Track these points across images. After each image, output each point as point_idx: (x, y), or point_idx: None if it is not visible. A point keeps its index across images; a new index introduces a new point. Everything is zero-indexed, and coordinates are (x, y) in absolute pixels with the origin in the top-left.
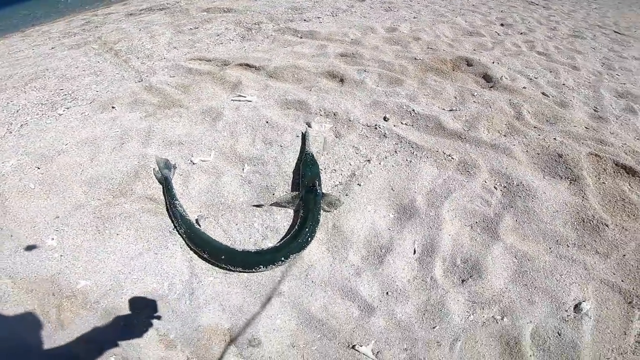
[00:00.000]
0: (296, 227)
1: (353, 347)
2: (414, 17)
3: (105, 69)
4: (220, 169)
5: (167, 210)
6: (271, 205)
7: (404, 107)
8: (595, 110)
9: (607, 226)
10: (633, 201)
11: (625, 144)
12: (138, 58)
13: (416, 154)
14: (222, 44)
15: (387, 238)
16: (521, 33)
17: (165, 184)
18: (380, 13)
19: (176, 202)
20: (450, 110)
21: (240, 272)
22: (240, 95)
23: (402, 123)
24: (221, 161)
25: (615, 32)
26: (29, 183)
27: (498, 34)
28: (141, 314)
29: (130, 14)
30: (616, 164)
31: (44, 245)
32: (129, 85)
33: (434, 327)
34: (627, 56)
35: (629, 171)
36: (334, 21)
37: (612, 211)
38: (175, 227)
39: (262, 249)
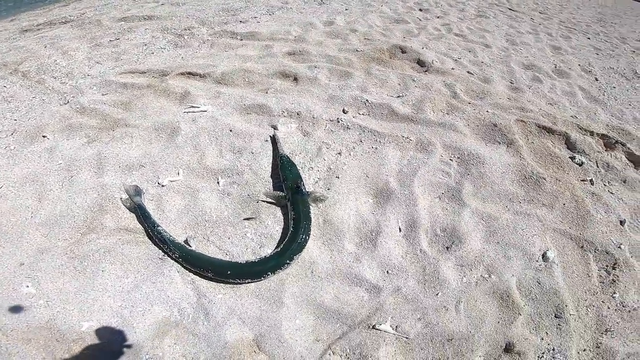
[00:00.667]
0: (292, 229)
1: (373, 327)
2: (346, 9)
3: (16, 94)
4: (194, 187)
5: (151, 237)
6: (260, 200)
7: (358, 98)
8: (511, 83)
9: (544, 179)
10: (557, 155)
11: (540, 109)
12: (55, 78)
13: (379, 141)
14: (152, 53)
15: (374, 222)
16: (438, 17)
17: (141, 211)
18: (315, 7)
19: (159, 227)
20: (398, 97)
21: (247, 283)
22: (192, 106)
23: (359, 114)
24: (192, 178)
25: (509, 9)
26: None
27: (420, 20)
28: (162, 343)
29: (26, 30)
30: (538, 126)
31: (20, 294)
32: (54, 109)
33: (437, 294)
34: (523, 31)
35: (549, 130)
36: (272, 20)
37: (544, 165)
38: (166, 253)
39: (266, 256)
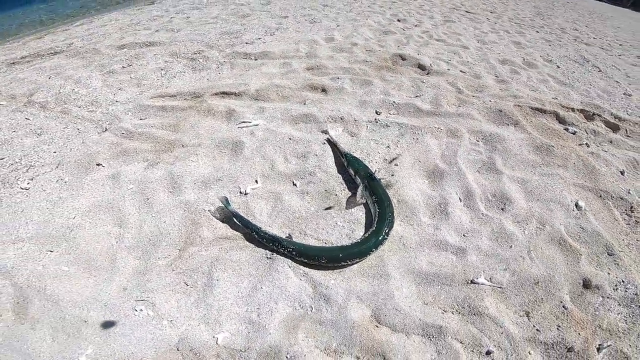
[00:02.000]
0: (378, 210)
1: (472, 282)
2: (337, 26)
3: (45, 126)
4: (275, 191)
5: (254, 240)
6: (350, 207)
7: (385, 101)
8: (496, 77)
9: (553, 147)
10: (554, 128)
11: (527, 95)
12: (80, 107)
13: (417, 133)
14: (174, 77)
15: (438, 197)
16: (416, 25)
17: (239, 218)
18: (309, 26)
19: (261, 228)
20: (417, 97)
21: (356, 262)
22: (243, 122)
23: (390, 113)
24: (270, 184)
25: (466, 12)
26: (59, 267)
27: (403, 30)
28: (297, 339)
29: (13, 63)
30: (531, 109)
31: (136, 319)
32: (95, 138)
33: (510, 247)
34: (486, 31)
35: (541, 111)
36: (276, 40)
37: (548, 137)
38: (276, 250)
39: (365, 236)
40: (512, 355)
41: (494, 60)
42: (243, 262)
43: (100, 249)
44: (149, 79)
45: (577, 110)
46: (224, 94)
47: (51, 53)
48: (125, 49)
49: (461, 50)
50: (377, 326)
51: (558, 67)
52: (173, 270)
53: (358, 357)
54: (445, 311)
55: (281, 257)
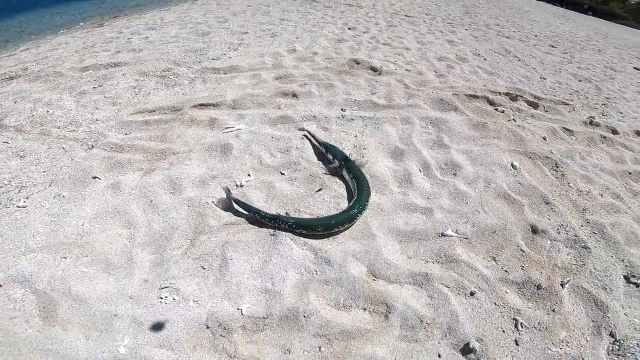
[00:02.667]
0: (356, 184)
1: (442, 234)
2: (297, 38)
3: (27, 148)
4: (266, 181)
5: (260, 219)
6: (326, 174)
7: (348, 99)
8: (436, 72)
9: (487, 124)
10: (486, 109)
11: (462, 85)
12: (59, 127)
13: (377, 123)
14: (149, 94)
15: (402, 170)
16: (364, 32)
17: (241, 203)
18: (270, 40)
19: (261, 210)
20: (373, 94)
21: (346, 228)
22: (227, 127)
23: (353, 109)
24: (261, 175)
25: (406, 16)
26: (78, 269)
27: (354, 37)
28: (309, 299)
29: None
30: (466, 95)
31: (162, 307)
32: (84, 154)
33: (466, 203)
34: (423, 32)
35: (474, 97)
36: (240, 55)
37: (482, 116)
38: (278, 226)
39: (350, 205)
40: (492, 294)
41: (433, 58)
42: (250, 242)
43: (115, 249)
44: (124, 97)
45: (503, 93)
46: (203, 105)
47: (6, 78)
48: (90, 71)
49: (404, 51)
50: (374, 279)
51: (485, 59)
52: (189, 257)
53: (365, 308)
54: (427, 261)
55: (282, 233)
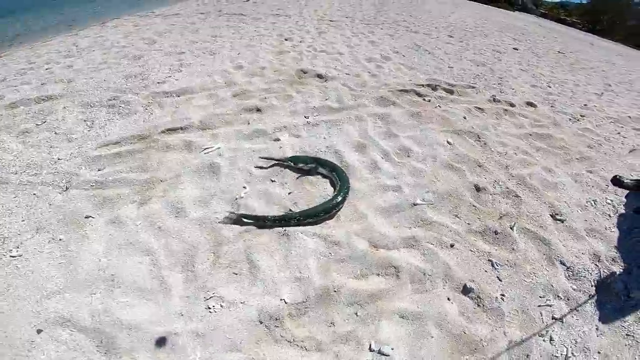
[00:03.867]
0: (337, 175)
1: (414, 204)
2: (238, 54)
3: None
4: (262, 189)
5: (272, 224)
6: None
7: (308, 107)
8: (369, 72)
9: (420, 112)
10: (416, 100)
11: (392, 81)
12: (17, 173)
13: (338, 124)
14: (105, 126)
15: (368, 159)
16: (300, 42)
17: (249, 216)
18: (211, 58)
19: (268, 215)
20: (326, 99)
21: (340, 209)
22: (206, 148)
23: (314, 116)
24: (255, 186)
25: (330, 21)
26: (116, 301)
27: (293, 47)
28: (333, 277)
29: None
30: (399, 91)
31: (215, 312)
32: (61, 198)
33: (423, 177)
34: (349, 36)
35: (405, 91)
36: (187, 75)
37: (415, 106)
38: (287, 224)
39: (337, 190)
40: (466, 244)
41: (363, 60)
42: (268, 243)
43: (144, 277)
44: (77, 132)
45: (425, 85)
46: (170, 130)
47: None
48: (20, 107)
49: (339, 56)
50: (377, 250)
51: (404, 56)
52: (219, 268)
53: (378, 274)
54: (410, 227)
55: (291, 229)
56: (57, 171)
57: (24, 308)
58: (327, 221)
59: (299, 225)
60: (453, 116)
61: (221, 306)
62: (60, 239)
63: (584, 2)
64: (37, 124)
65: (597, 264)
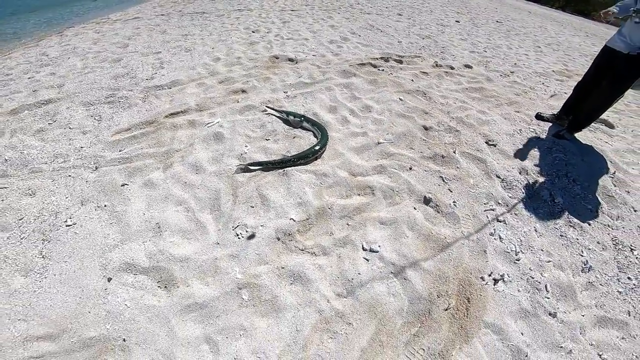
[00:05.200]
0: (317, 127)
1: (379, 143)
2: (212, 48)
3: (31, 186)
4: (260, 146)
5: (272, 166)
6: (297, 127)
7: (285, 85)
8: (332, 52)
9: (377, 80)
10: (373, 70)
11: (352, 57)
12: (47, 163)
13: (312, 94)
14: (112, 118)
15: (339, 117)
16: (268, 32)
17: (254, 163)
18: (188, 55)
19: (270, 160)
20: (300, 77)
21: (324, 150)
22: (208, 123)
23: (292, 91)
24: (255, 145)
25: (292, 11)
26: (166, 242)
27: (262, 38)
28: (326, 199)
29: None
30: (358, 64)
31: (243, 237)
32: (95, 175)
33: (382, 124)
34: (311, 22)
35: (362, 64)
36: (171, 71)
37: (373, 76)
38: (285, 165)
39: (321, 137)
40: (421, 166)
41: (326, 42)
42: (272, 181)
43: (182, 221)
44: (89, 125)
45: (379, 58)
46: (173, 114)
47: None
48: (24, 112)
49: (305, 41)
50: (354, 177)
51: (360, 36)
52: (239, 204)
53: (359, 194)
54: (377, 160)
55: (289, 169)
56: (84, 156)
57: (91, 264)
58: (315, 161)
59: (294, 165)
60: (403, 80)
61: (246, 231)
62: (105, 205)
63: None
64: (49, 123)
65: (526, 176)
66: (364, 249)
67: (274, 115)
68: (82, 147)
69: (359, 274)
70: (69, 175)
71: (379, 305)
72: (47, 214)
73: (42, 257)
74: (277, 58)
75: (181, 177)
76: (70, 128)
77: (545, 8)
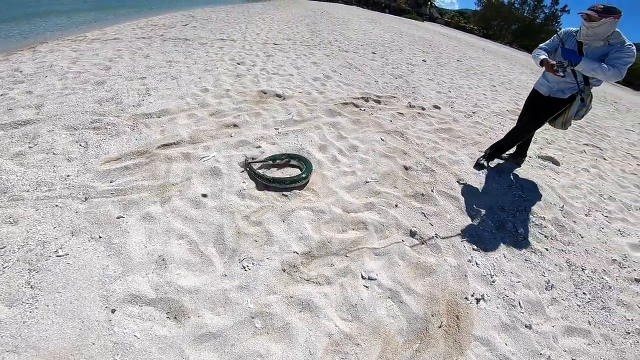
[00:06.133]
0: (301, 160)
1: (366, 182)
2: (199, 78)
3: (12, 214)
4: (246, 177)
5: (268, 183)
6: (273, 165)
7: (276, 121)
8: (317, 90)
9: (359, 119)
10: (356, 110)
11: (336, 96)
12: (29, 191)
13: (303, 133)
14: (100, 146)
15: (330, 155)
16: (253, 65)
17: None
18: (173, 82)
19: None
20: (289, 114)
21: (307, 181)
22: (203, 157)
23: (282, 128)
24: (250, 180)
25: (274, 44)
26: (172, 274)
27: (248, 71)
28: (328, 235)
29: None
30: (341, 103)
31: (250, 269)
32: (85, 207)
33: (369, 163)
34: (294, 57)
35: (346, 103)
36: (158, 99)
37: (356, 116)
38: (277, 187)
39: (304, 170)
40: (405, 204)
41: (310, 79)
42: (273, 217)
43: (186, 254)
44: (74, 152)
45: (360, 97)
46: (165, 145)
47: None
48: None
49: (290, 77)
50: (348, 213)
51: (340, 74)
52: (243, 238)
53: (354, 229)
54: (366, 197)
55: (293, 207)
56: (72, 185)
57: (90, 295)
58: (310, 197)
59: (286, 189)
60: (382, 121)
61: (253, 264)
62: (99, 237)
63: (478, 9)
64: (29, 147)
65: (492, 212)
66: (363, 277)
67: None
68: (68, 176)
69: (362, 299)
70: (56, 205)
71: (382, 327)
72: (33, 244)
73: (31, 287)
74: (265, 93)
75: (181, 211)
76: (54, 154)
77: (496, 44)
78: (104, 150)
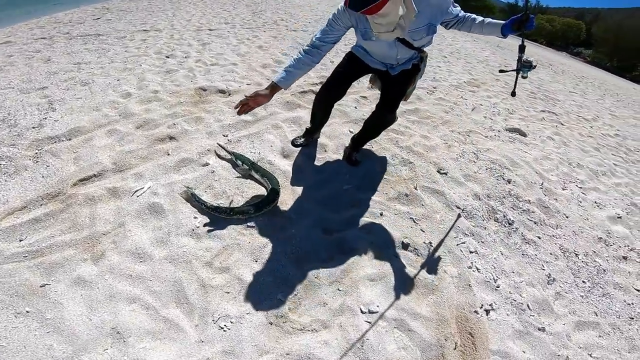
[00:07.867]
0: (266, 178)
1: (344, 189)
2: (118, 80)
3: None
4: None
5: (225, 215)
6: (238, 177)
7: (223, 126)
8: (267, 79)
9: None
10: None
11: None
12: None
13: (258, 135)
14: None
15: (292, 163)
16: (186, 57)
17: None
18: (85, 89)
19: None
20: (238, 113)
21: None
22: (136, 191)
23: (232, 132)
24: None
25: (210, 30)
26: (135, 350)
27: (180, 64)
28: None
29: None
30: (299, 92)
31: (229, 329)
32: None
33: (340, 164)
34: (235, 43)
35: (304, 92)
36: (67, 113)
37: None
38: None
39: (270, 190)
40: (390, 210)
41: (258, 67)
42: (242, 259)
43: (145, 320)
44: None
45: (318, 83)
46: (83, 180)
47: None
48: None
49: (234, 67)
50: (330, 235)
51: (293, 57)
52: (210, 291)
53: (340, 252)
54: (347, 209)
55: (255, 242)
56: None
57: None
58: (282, 223)
59: (250, 215)
60: (347, 108)
61: (232, 322)
62: (27, 312)
63: None
64: None
65: (479, 201)
66: (362, 312)
67: (223, 158)
68: None
69: (367, 339)
70: None
71: None
72: None
73: None
74: (204, 90)
75: (123, 268)
76: None
77: None
78: (1, 198)
